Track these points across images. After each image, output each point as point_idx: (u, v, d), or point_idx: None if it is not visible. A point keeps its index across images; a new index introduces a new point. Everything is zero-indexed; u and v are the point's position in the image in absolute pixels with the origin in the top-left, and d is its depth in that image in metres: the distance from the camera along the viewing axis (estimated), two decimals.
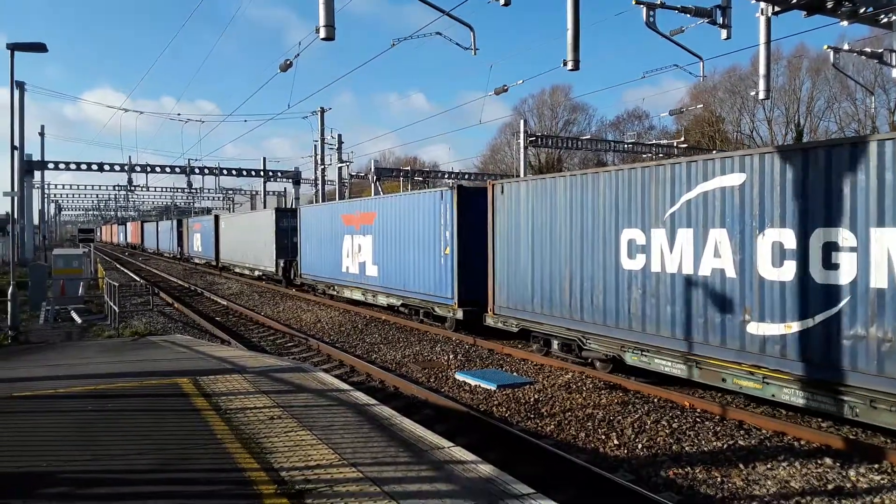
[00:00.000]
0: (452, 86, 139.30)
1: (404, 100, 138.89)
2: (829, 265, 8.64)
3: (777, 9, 14.07)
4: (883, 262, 8.08)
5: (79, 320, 19.09)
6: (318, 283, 26.17)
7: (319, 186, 40.04)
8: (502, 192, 15.20)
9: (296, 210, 30.79)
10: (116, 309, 17.76)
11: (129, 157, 43.10)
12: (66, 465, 6.24)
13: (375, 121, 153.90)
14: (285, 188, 60.51)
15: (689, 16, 14.02)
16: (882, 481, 7.19)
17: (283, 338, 17.69)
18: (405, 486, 5.51)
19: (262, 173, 46.47)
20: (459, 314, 16.57)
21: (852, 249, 8.39)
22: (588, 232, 12.65)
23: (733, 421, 9.42)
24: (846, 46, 19.02)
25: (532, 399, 10.77)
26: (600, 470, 7.38)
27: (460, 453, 6.37)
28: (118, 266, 48.87)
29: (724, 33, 13.96)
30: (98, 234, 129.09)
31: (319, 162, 39.76)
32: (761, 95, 16.70)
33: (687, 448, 8.40)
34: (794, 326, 9.04)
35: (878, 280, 8.12)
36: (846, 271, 8.44)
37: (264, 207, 48.80)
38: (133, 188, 49.55)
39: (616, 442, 8.67)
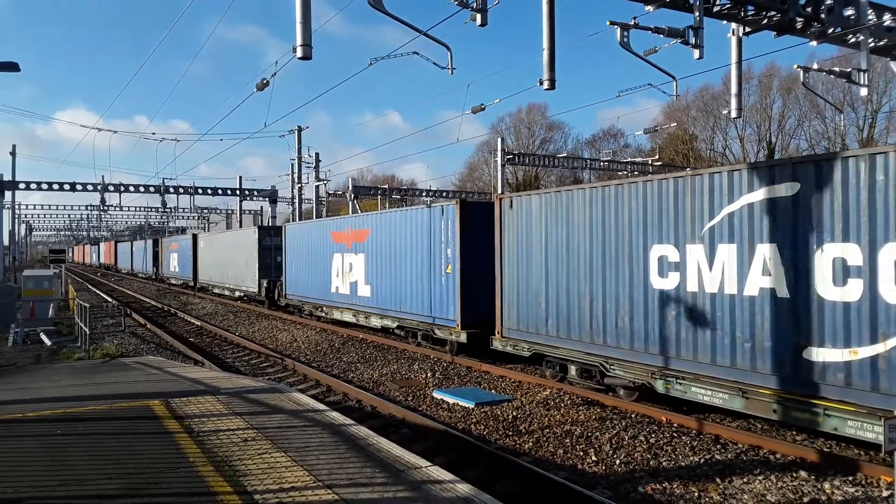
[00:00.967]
0: (428, 105, 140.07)
1: (380, 119, 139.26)
2: None
3: (748, 29, 14.39)
4: None
5: (48, 342, 18.69)
6: (305, 304, 25.05)
7: (296, 205, 39.83)
8: (511, 206, 14.24)
9: (280, 228, 29.78)
10: (87, 330, 17.43)
11: (102, 177, 42.41)
12: (35, 490, 6.06)
13: (351, 140, 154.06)
14: (261, 207, 60.10)
15: (662, 36, 14.23)
16: (857, 493, 7.25)
17: (258, 358, 17.46)
18: None
19: (237, 192, 46.13)
20: (463, 337, 15.53)
21: None
22: (611, 248, 11.71)
23: (710, 435, 9.46)
24: (815, 66, 19.43)
25: (510, 416, 10.72)
26: (579, 487, 7.34)
27: (438, 473, 6.30)
28: (90, 287, 48.05)
29: (696, 53, 14.18)
30: (70, 254, 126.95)
31: (296, 180, 39.60)
32: (733, 114, 16.97)
33: (664, 463, 8.41)
34: (862, 352, 8.14)
35: None
36: None
37: (240, 227, 48.38)
38: (106, 208, 48.76)
39: (594, 458, 8.65)
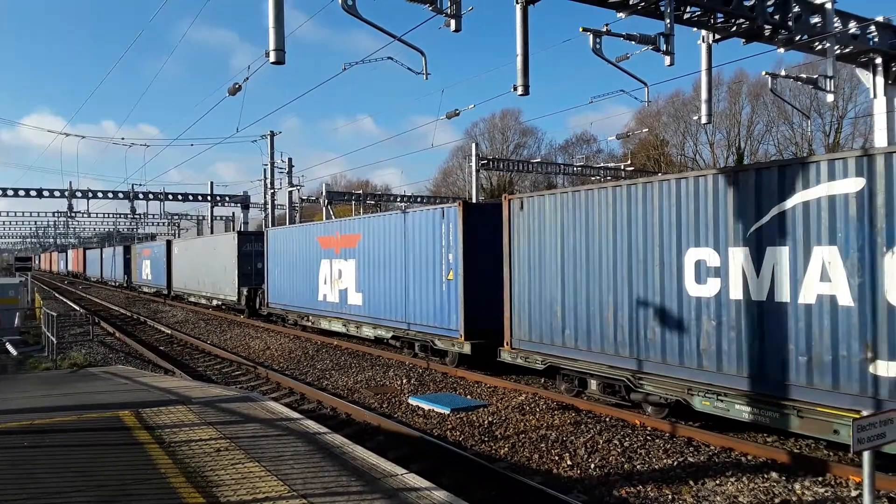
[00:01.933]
0: (402, 110, 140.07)
1: (353, 124, 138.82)
2: None
3: (717, 37, 14.65)
4: None
5: (14, 352, 18.26)
6: (289, 313, 23.92)
7: (269, 211, 39.50)
8: (521, 207, 13.21)
9: (261, 233, 28.67)
10: (54, 340, 17.08)
11: (70, 183, 41.65)
12: None
13: (323, 145, 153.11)
14: (233, 213, 59.48)
15: (633, 43, 14.41)
16: (826, 494, 7.37)
17: (230, 366, 17.24)
18: None
19: (209, 198, 45.62)
20: (466, 348, 14.53)
21: None
22: (639, 252, 10.75)
23: (683, 438, 9.55)
24: (783, 72, 19.82)
25: (486, 422, 10.72)
26: (554, 491, 7.36)
27: (414, 480, 6.27)
28: (57, 295, 47.10)
29: (667, 60, 14.38)
30: (37, 262, 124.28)
31: (269, 186, 39.27)
32: (703, 119, 17.24)
33: (638, 466, 8.47)
34: None
35: None
36: None
37: (212, 233, 47.80)
38: (73, 214, 47.86)
39: (569, 462, 8.68)
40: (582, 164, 50.59)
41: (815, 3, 14.43)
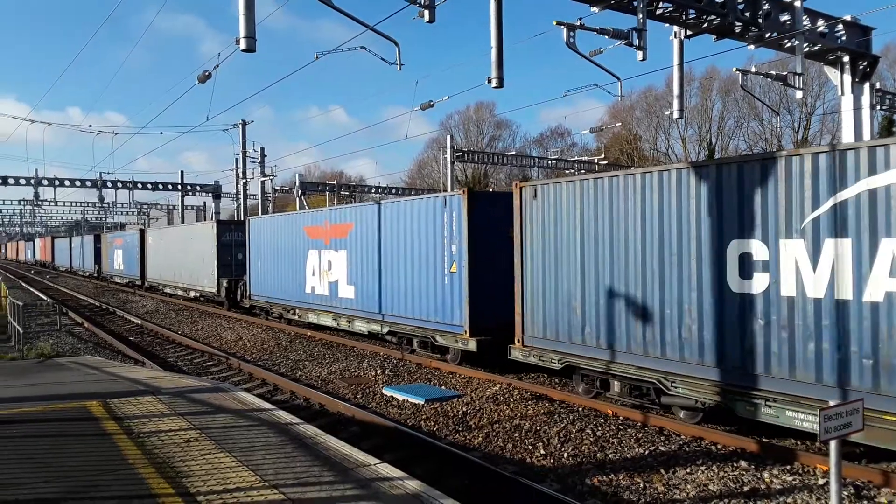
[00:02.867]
0: (374, 101, 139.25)
1: (325, 114, 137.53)
2: None
3: (689, 33, 14.80)
4: None
5: None
6: (274, 306, 22.77)
7: (241, 201, 39.03)
8: (535, 195, 12.33)
9: (242, 222, 27.59)
10: (21, 330, 16.70)
11: (36, 171, 40.66)
12: None
13: (296, 135, 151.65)
14: (204, 203, 58.63)
15: (607, 37, 14.48)
16: (794, 482, 7.51)
17: (201, 357, 17.03)
18: None
19: (179, 187, 44.92)
20: (471, 345, 13.66)
21: None
22: (672, 245, 9.89)
23: (654, 427, 9.66)
24: (753, 69, 20.10)
25: (460, 412, 10.74)
26: (528, 480, 7.40)
27: (387, 470, 6.24)
28: (24, 285, 46.08)
29: (640, 55, 14.47)
30: (3, 251, 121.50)
31: (241, 175, 38.79)
32: (675, 115, 17.41)
33: (611, 455, 8.55)
34: None
35: None
36: None
37: (182, 222, 47.11)
38: (40, 203, 46.80)
39: (543, 452, 8.73)
40: (556, 157, 50.76)
41: (785, 1, 14.65)
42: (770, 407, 8.61)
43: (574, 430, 9.44)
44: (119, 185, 42.69)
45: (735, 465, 8.05)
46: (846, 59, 16.42)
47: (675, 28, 14.91)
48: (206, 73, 19.18)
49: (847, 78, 16.74)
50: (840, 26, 15.91)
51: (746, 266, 8.98)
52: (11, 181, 40.14)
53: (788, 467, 7.97)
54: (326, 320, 19.39)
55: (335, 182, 53.32)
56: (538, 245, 12.30)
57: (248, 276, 24.74)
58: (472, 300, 13.77)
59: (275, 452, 6.77)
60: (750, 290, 8.92)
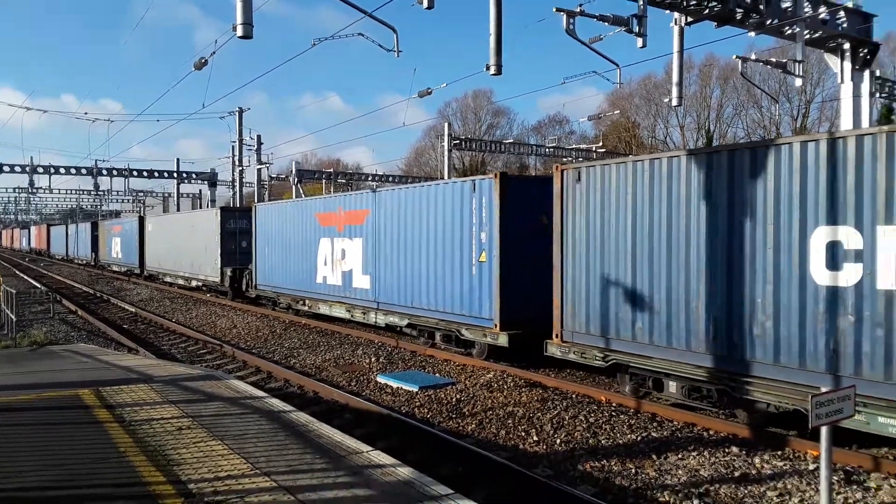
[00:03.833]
0: (370, 88, 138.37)
1: (320, 102, 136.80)
2: None
3: (690, 19, 14.69)
4: None
5: None
6: (281, 297, 21.84)
7: (237, 188, 38.92)
8: (579, 178, 11.33)
9: (248, 209, 26.60)
10: (14, 317, 16.65)
11: (31, 158, 40.52)
12: None
13: (291, 123, 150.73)
14: (200, 190, 58.56)
15: (607, 24, 14.40)
16: (784, 467, 7.53)
17: (195, 345, 17.02)
18: (321, 493, 5.34)
19: (175, 175, 44.77)
20: (502, 340, 12.80)
21: None
22: (744, 232, 8.92)
23: (647, 414, 9.69)
24: (753, 56, 20.00)
25: (454, 399, 10.75)
26: (520, 467, 7.41)
27: (379, 457, 6.24)
28: (18, 272, 45.96)
29: (639, 42, 14.40)
30: None
31: (238, 163, 38.66)
32: (674, 102, 17.33)
33: (603, 441, 8.57)
34: None
35: None
36: None
37: (178, 210, 46.98)
38: (35, 190, 46.66)
39: (535, 438, 8.75)
40: (554, 145, 50.66)
41: None
42: (859, 412, 7.54)
43: (567, 417, 9.45)
44: (114, 172, 42.60)
45: (726, 450, 8.07)
46: (847, 46, 16.34)
47: (676, 15, 14.80)
48: (203, 60, 19.05)
49: (847, 65, 16.67)
50: (841, 13, 15.82)
51: (836, 256, 8.03)
52: (7, 168, 40.00)
53: (779, 453, 8.00)
54: (339, 312, 18.41)
55: (332, 170, 53.17)
56: (581, 233, 11.33)
57: (255, 265, 23.82)
58: (503, 292, 12.90)
59: (267, 440, 6.77)
60: (838, 282, 7.99)
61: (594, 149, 49.22)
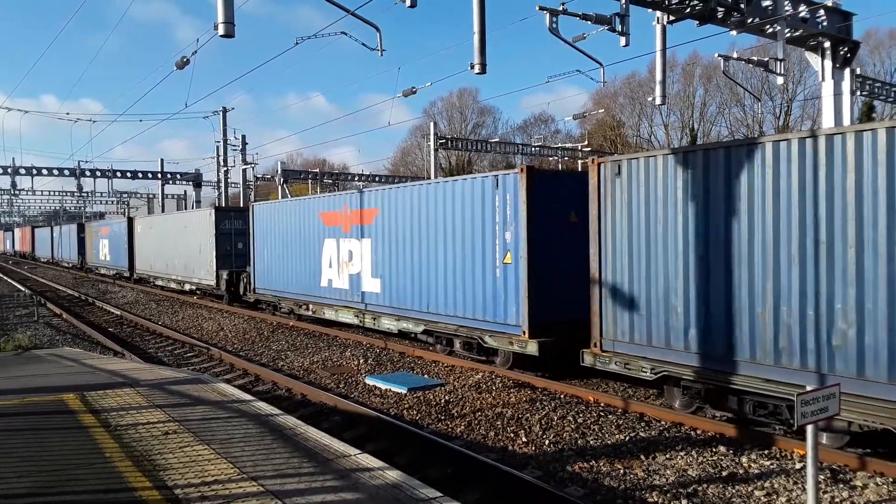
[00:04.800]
0: (355, 88, 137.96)
1: (304, 101, 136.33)
2: None
3: (672, 18, 14.78)
4: None
5: None
6: (283, 301, 20.80)
7: (223, 189, 38.68)
8: (619, 172, 10.39)
9: (244, 209, 25.89)
10: None
11: (13, 160, 40.10)
12: None
13: (275, 123, 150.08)
14: (185, 191, 58.18)
15: (590, 23, 14.45)
16: (772, 466, 7.59)
17: (182, 348, 16.89)
18: (308, 497, 5.31)
19: (159, 175, 44.42)
20: (531, 348, 11.84)
21: None
22: (820, 228, 7.97)
23: (635, 414, 9.72)
24: (735, 55, 20.14)
25: (443, 400, 10.73)
26: (508, 468, 7.41)
27: (367, 460, 6.21)
28: (1, 275, 45.45)
29: (622, 40, 14.47)
30: None
31: (223, 163, 38.42)
32: (658, 101, 17.46)
33: (591, 442, 8.59)
34: None
35: None
36: None
37: (162, 211, 46.61)
38: (17, 192, 46.14)
39: (524, 439, 8.76)
40: (540, 144, 50.79)
41: None
42: None
43: (556, 418, 9.47)
44: (98, 173, 42.22)
45: (714, 450, 8.12)
46: (827, 44, 16.52)
47: (658, 13, 14.90)
48: (185, 59, 18.90)
49: (828, 63, 16.85)
50: (821, 12, 15.98)
51: None
52: None
53: (767, 452, 8.05)
54: (347, 317, 17.37)
55: (318, 170, 52.99)
56: (622, 231, 10.37)
57: (253, 268, 22.73)
58: (531, 296, 11.91)
59: (254, 444, 6.72)
60: None
61: (580, 147, 49.41)
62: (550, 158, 47.36)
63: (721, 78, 55.08)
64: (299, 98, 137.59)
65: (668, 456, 7.97)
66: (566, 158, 48.09)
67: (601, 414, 9.65)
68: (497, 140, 52.48)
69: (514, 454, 8.30)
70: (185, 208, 55.54)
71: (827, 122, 16.96)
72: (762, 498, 6.78)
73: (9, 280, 40.66)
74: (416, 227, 14.91)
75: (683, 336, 9.44)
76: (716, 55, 19.85)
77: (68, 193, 69.72)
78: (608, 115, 64.74)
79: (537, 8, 14.41)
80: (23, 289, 32.87)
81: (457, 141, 44.31)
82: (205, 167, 46.62)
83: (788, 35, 15.73)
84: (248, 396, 8.90)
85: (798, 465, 7.52)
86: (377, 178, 53.26)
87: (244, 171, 39.18)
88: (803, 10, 15.55)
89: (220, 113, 37.16)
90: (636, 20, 13.48)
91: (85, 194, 52.42)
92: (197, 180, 44.15)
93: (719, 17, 14.35)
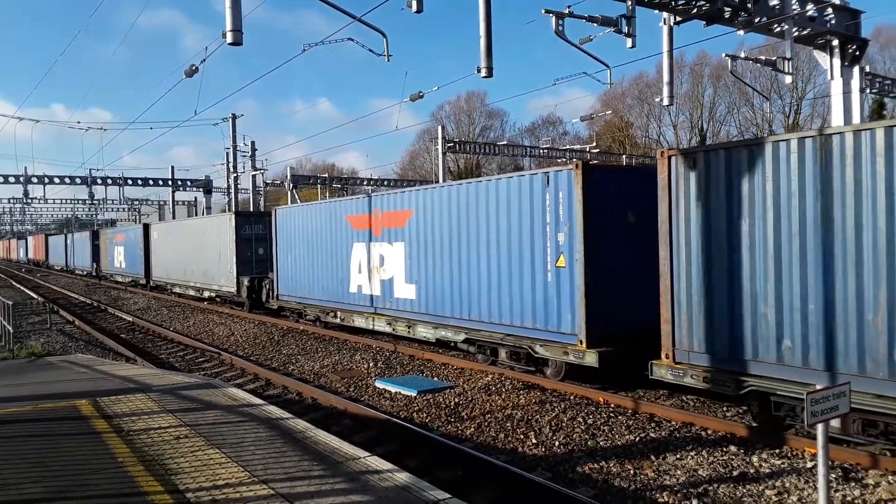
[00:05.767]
0: (361, 93, 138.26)
1: (311, 107, 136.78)
2: None
3: (678, 18, 14.75)
4: None
5: None
6: (308, 308, 20.06)
7: (233, 195, 38.89)
8: (693, 165, 9.38)
9: (265, 213, 25.51)
10: (11, 329, 16.60)
11: (25, 168, 40.48)
12: None
13: (281, 129, 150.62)
14: (195, 197, 58.54)
15: (596, 25, 14.43)
16: (783, 465, 7.55)
17: (193, 353, 17.00)
18: (318, 500, 5.35)
19: (170, 182, 44.72)
20: (590, 358, 10.91)
21: None
22: None
23: (645, 414, 9.69)
24: (743, 54, 20.06)
25: (452, 403, 10.75)
26: (518, 469, 7.42)
27: (377, 463, 6.25)
28: (14, 283, 45.86)
29: (629, 42, 14.43)
30: None
31: (232, 169, 38.63)
32: (665, 101, 17.39)
33: (602, 443, 8.58)
34: None
35: None
36: None
37: (173, 218, 46.89)
38: (30, 200, 46.59)
39: (534, 441, 8.76)
40: (548, 146, 50.75)
41: None
42: None
43: (565, 419, 9.46)
44: (109, 181, 42.51)
45: (725, 449, 8.09)
46: (835, 42, 16.41)
47: (665, 14, 14.86)
48: (194, 68, 19.06)
49: (836, 62, 16.73)
50: (829, 10, 15.88)
51: None
52: (0, 179, 39.91)
53: (777, 451, 8.01)
54: (380, 325, 16.54)
55: (327, 175, 53.18)
56: (698, 230, 9.37)
57: (276, 274, 21.91)
58: (589, 302, 11.04)
59: (265, 448, 6.77)
60: None
61: (588, 149, 49.31)
62: (558, 160, 47.28)
63: (729, 78, 54.87)
64: (306, 104, 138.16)
65: (678, 456, 7.95)
66: (574, 160, 48.00)
67: (611, 415, 9.64)
68: (505, 143, 52.45)
69: (524, 456, 8.30)
70: (196, 214, 55.81)
71: (837, 120, 16.85)
72: (773, 497, 6.75)
73: (22, 288, 41.02)
74: (455, 229, 14.05)
75: (774, 347, 8.51)
76: (724, 55, 19.78)
77: (80, 201, 70.26)
78: (616, 116, 64.60)
79: (543, 11, 14.42)
80: (36, 296, 33.17)
81: (465, 144, 44.34)
82: (214, 173, 46.89)
83: (796, 34, 15.65)
84: (258, 401, 8.96)
85: (809, 464, 7.48)
86: (386, 183, 53.36)
87: (254, 177, 39.36)
88: (811, 9, 15.46)
89: (230, 120, 37.38)
90: (642, 21, 13.43)
91: (96, 202, 52.83)
92: (207, 187, 44.40)
93: (726, 16, 14.29)
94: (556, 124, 73.93)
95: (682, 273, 9.58)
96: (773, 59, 18.02)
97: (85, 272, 52.28)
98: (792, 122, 56.45)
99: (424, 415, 10.26)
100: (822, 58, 17.02)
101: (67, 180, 41.64)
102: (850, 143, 7.82)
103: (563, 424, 9.27)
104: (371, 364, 14.11)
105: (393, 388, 11.87)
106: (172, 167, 44.97)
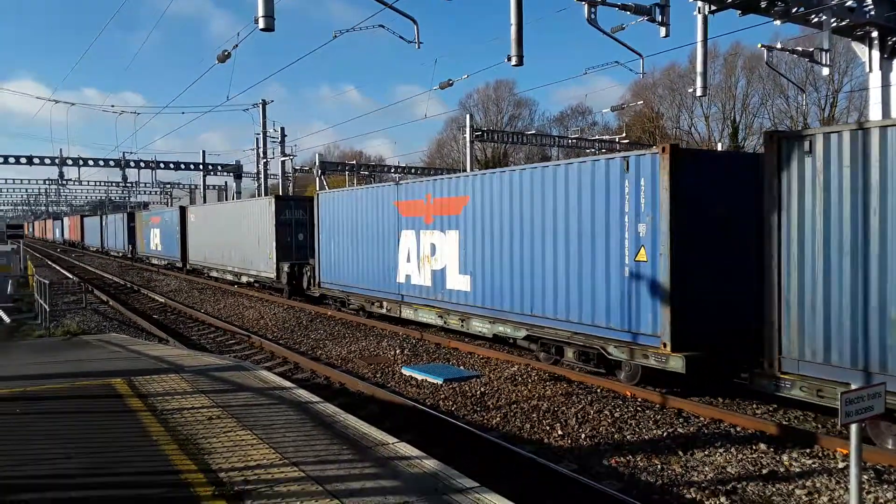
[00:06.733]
0: (388, 80, 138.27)
1: (337, 94, 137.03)
2: None
3: (713, 7, 14.48)
4: None
5: (7, 320, 18.21)
6: (352, 297, 19.39)
7: (262, 180, 39.27)
8: (810, 150, 8.39)
9: (306, 198, 25.24)
10: (47, 308, 17.02)
11: (60, 150, 41.23)
12: None
13: (308, 116, 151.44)
14: (226, 182, 59.16)
15: (629, 13, 14.24)
16: (813, 465, 7.46)
17: (224, 335, 17.26)
18: (348, 483, 5.42)
19: (201, 167, 45.27)
20: (674, 363, 9.86)
21: None
22: None
23: (673, 409, 9.64)
24: (779, 45, 19.65)
25: (478, 392, 10.79)
26: (544, 460, 7.44)
27: (405, 449, 6.31)
28: (50, 263, 46.92)
29: (662, 31, 14.23)
30: (30, 230, 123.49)
31: (262, 155, 38.97)
32: (698, 92, 17.11)
33: (628, 436, 8.56)
34: None
35: None
36: None
37: (204, 202, 47.47)
38: (65, 182, 47.48)
39: (560, 432, 8.76)
40: (577, 136, 50.32)
41: None
42: None
43: (592, 412, 9.45)
44: (142, 164, 43.14)
45: (754, 447, 8.01)
46: (875, 34, 15.98)
47: (699, 3, 14.60)
48: (226, 53, 19.22)
49: (875, 54, 16.31)
50: (869, 0, 15.48)
51: None
52: (37, 161, 40.72)
53: (808, 450, 7.91)
54: (429, 317, 15.82)
55: (355, 162, 53.41)
56: (814, 225, 8.40)
57: (318, 261, 21.33)
58: (675, 301, 10.01)
59: (295, 430, 6.87)
60: None
61: (617, 140, 48.80)
62: (587, 151, 46.87)
63: (764, 68, 53.77)
64: (333, 91, 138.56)
65: (706, 452, 7.90)
66: (603, 150, 47.55)
67: (638, 409, 9.60)
68: (533, 132, 52.14)
69: (549, 447, 8.31)
70: (226, 199, 56.37)
71: (875, 114, 16.45)
72: (803, 497, 6.68)
73: (57, 267, 41.96)
74: (517, 218, 13.12)
75: None
76: (759, 45, 19.40)
77: (113, 184, 71.47)
78: (647, 106, 63.77)
79: None
80: (71, 276, 33.91)
81: (493, 133, 44.17)
82: (244, 159, 47.37)
83: (834, 25, 15.27)
84: (288, 384, 9.09)
85: (841, 465, 7.38)
86: (413, 171, 53.41)
87: (283, 162, 39.69)
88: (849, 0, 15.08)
89: (261, 105, 37.66)
90: (676, 10, 13.22)
91: (129, 185, 53.63)
92: (238, 171, 44.86)
93: (762, 6, 13.99)
94: (585, 114, 73.28)
95: (793, 272, 8.56)
96: (810, 50, 17.62)
97: (119, 254, 52.79)
98: (827, 115, 55.24)
99: (450, 403, 10.32)
100: (860, 50, 16.59)
101: (101, 163, 42.34)
102: None
103: (590, 417, 9.26)
104: (397, 351, 14.21)
105: (419, 376, 11.95)
106: (203, 151, 45.55)
